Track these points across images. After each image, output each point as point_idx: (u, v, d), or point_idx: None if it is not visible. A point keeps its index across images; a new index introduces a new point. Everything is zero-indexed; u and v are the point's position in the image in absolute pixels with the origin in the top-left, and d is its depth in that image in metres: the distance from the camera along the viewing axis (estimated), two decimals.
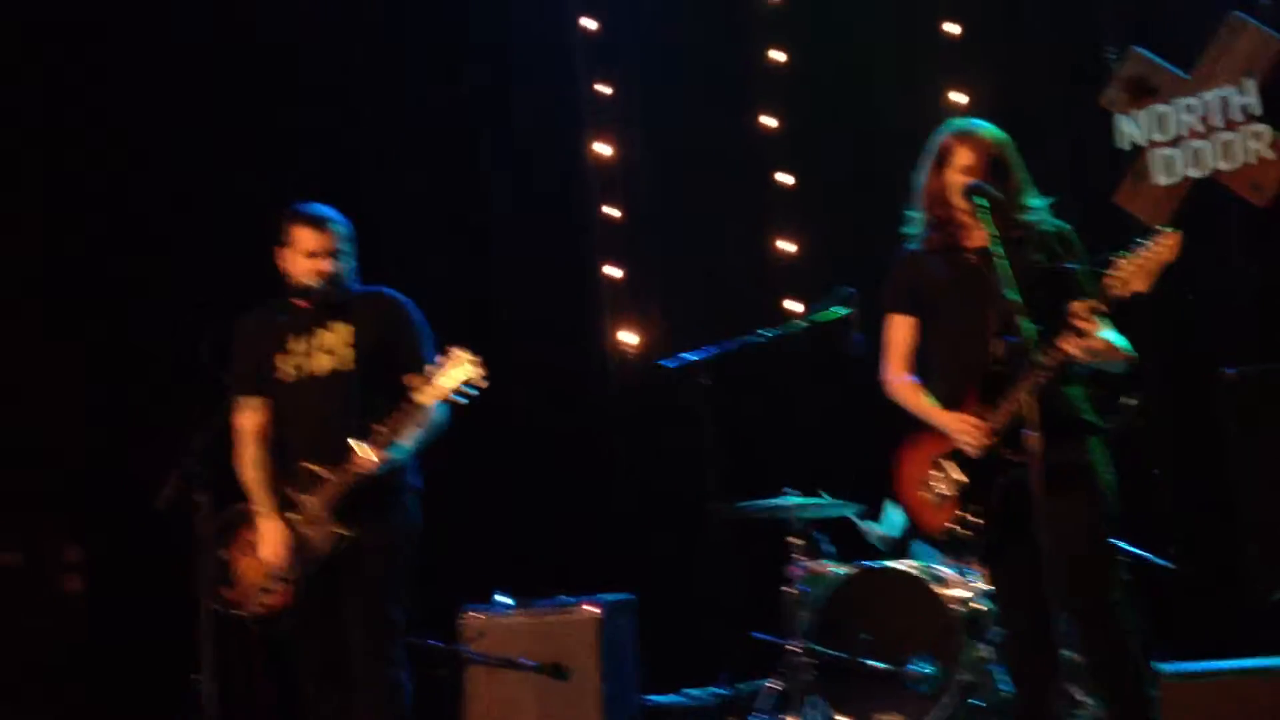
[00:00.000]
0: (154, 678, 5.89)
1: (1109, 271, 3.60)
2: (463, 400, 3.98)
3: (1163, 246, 3.56)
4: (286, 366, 4.25)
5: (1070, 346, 3.60)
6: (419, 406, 3.96)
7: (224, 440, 4.33)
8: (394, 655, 4.12)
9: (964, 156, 3.87)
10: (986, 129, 3.94)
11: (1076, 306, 3.62)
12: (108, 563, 6.22)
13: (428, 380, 3.92)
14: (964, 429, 3.78)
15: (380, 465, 3.98)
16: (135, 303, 6.50)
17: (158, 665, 5.83)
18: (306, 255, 4.25)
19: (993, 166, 3.85)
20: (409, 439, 4.09)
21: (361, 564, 4.10)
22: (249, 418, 4.30)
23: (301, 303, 4.26)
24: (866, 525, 5.53)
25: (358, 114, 7.01)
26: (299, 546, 4.08)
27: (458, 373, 3.90)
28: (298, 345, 4.24)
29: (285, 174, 6.35)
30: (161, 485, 4.15)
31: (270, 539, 4.11)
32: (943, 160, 3.93)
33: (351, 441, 3.98)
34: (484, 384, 3.91)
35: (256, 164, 6.54)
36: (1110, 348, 3.71)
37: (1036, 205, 3.91)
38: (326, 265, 4.23)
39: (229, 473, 4.32)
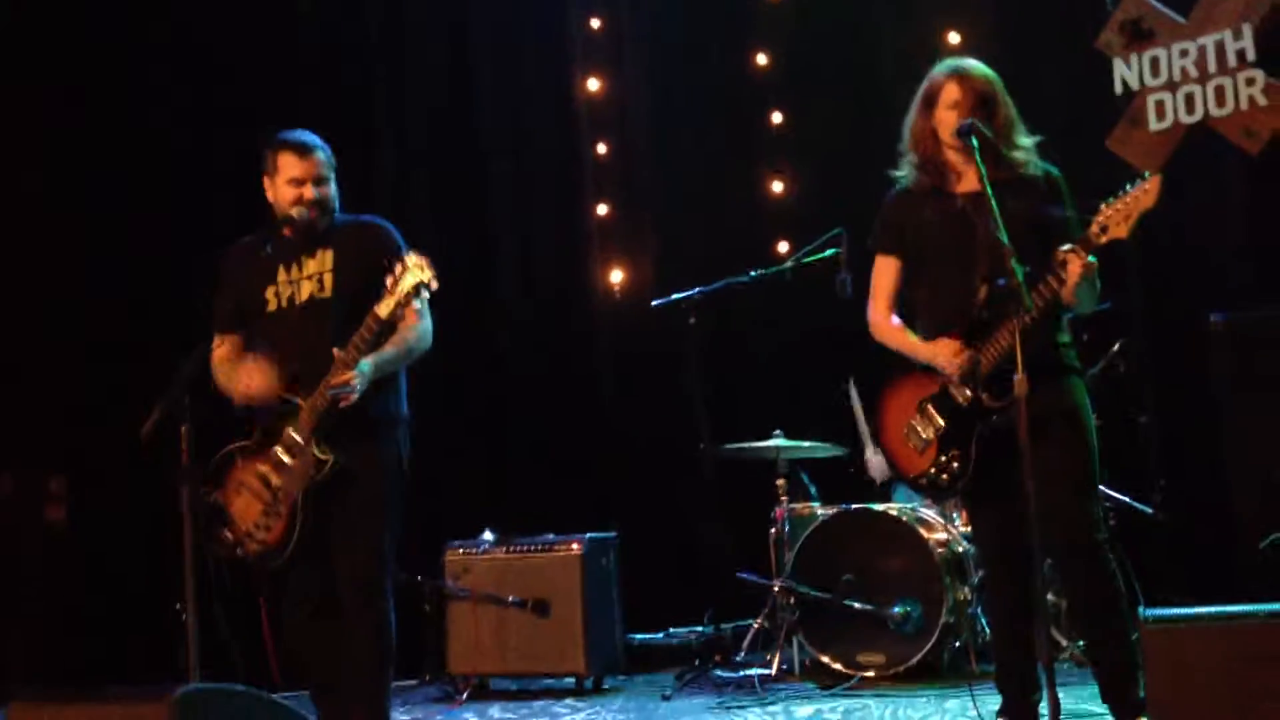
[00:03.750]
0: (138, 607, 5.91)
1: (1091, 217, 3.58)
2: (417, 304, 3.98)
3: (1143, 192, 3.55)
4: (274, 297, 4.23)
5: (1063, 272, 3.59)
6: (379, 319, 3.95)
7: (207, 375, 4.30)
8: (382, 586, 4.12)
9: (951, 92, 3.86)
10: (975, 67, 3.92)
11: (1061, 252, 3.62)
12: (91, 493, 6.22)
13: (389, 291, 3.93)
14: (943, 353, 3.79)
15: (354, 383, 3.96)
16: (125, 237, 6.44)
17: (142, 596, 5.86)
18: (290, 182, 4.22)
19: (981, 103, 3.82)
20: (381, 356, 4.07)
21: (350, 491, 4.09)
22: (223, 350, 4.29)
23: (287, 231, 4.22)
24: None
25: (351, 49, 6.93)
26: (286, 477, 4.07)
27: (410, 278, 3.91)
28: (287, 275, 4.23)
29: (279, 111, 6.27)
30: (146, 416, 4.12)
31: (256, 378, 4.10)
32: (932, 100, 3.92)
33: (335, 351, 3.98)
34: (435, 285, 3.91)
35: (246, 103, 6.45)
36: (1093, 267, 3.68)
37: (1025, 144, 3.88)
38: (310, 192, 4.20)
39: (214, 409, 4.30)
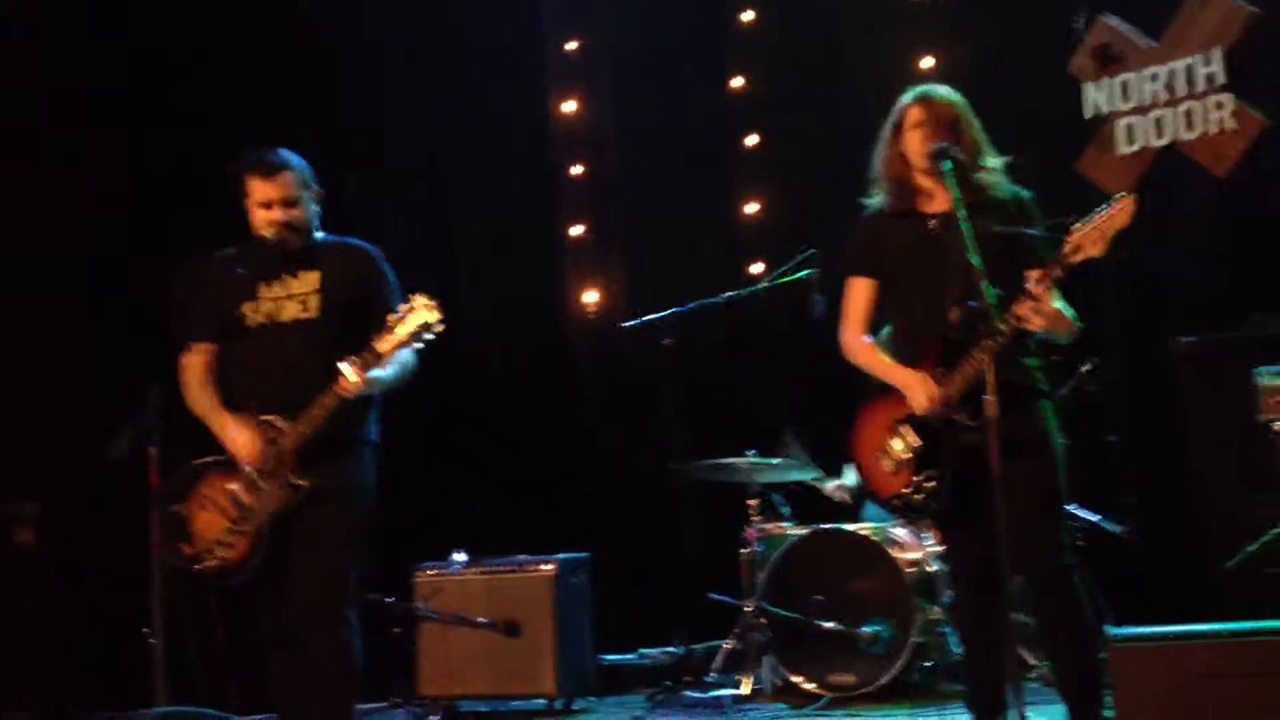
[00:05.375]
0: (105, 631, 5.86)
1: (1064, 237, 3.61)
2: (420, 346, 3.95)
3: (1117, 211, 3.58)
4: (253, 313, 4.19)
5: (1024, 311, 3.62)
6: (379, 354, 3.92)
7: (179, 394, 4.28)
8: (345, 613, 4.06)
9: (914, 115, 3.91)
10: (939, 91, 3.97)
11: (1032, 274, 3.64)
12: (62, 517, 6.17)
13: (389, 329, 3.89)
14: (915, 384, 3.80)
15: (366, 386, 3.94)
16: (92, 257, 6.42)
17: (110, 619, 5.81)
18: (260, 205, 4.18)
19: (944, 126, 3.85)
20: (387, 371, 4.05)
21: (316, 516, 4.04)
22: (197, 360, 4.23)
23: (269, 250, 4.19)
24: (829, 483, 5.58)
25: (325, 70, 6.93)
26: (258, 497, 4.04)
27: (415, 319, 3.87)
28: (268, 292, 4.18)
29: (250, 132, 6.26)
30: (115, 439, 4.10)
31: (243, 439, 4.05)
32: (900, 125, 3.95)
33: (340, 365, 3.93)
34: (441, 328, 3.88)
35: (218, 120, 6.45)
36: (1059, 315, 3.73)
37: (994, 166, 3.91)
38: (279, 214, 4.15)
39: (183, 428, 4.27)
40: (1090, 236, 3.58)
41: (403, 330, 3.87)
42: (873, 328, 4.05)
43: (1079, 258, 3.60)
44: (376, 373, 3.97)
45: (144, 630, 4.61)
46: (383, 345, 3.89)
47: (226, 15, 6.62)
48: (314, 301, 4.14)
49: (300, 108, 6.67)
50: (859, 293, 4.06)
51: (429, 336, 3.90)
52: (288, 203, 4.16)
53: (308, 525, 4.04)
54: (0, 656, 5.91)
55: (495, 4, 7.12)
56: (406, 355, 4.12)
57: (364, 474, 4.18)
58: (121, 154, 6.51)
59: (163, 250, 6.11)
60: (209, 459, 4.17)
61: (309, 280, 4.17)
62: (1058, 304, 3.73)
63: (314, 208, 4.26)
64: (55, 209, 6.46)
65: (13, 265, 6.34)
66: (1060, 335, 3.81)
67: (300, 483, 4.00)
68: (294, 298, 4.16)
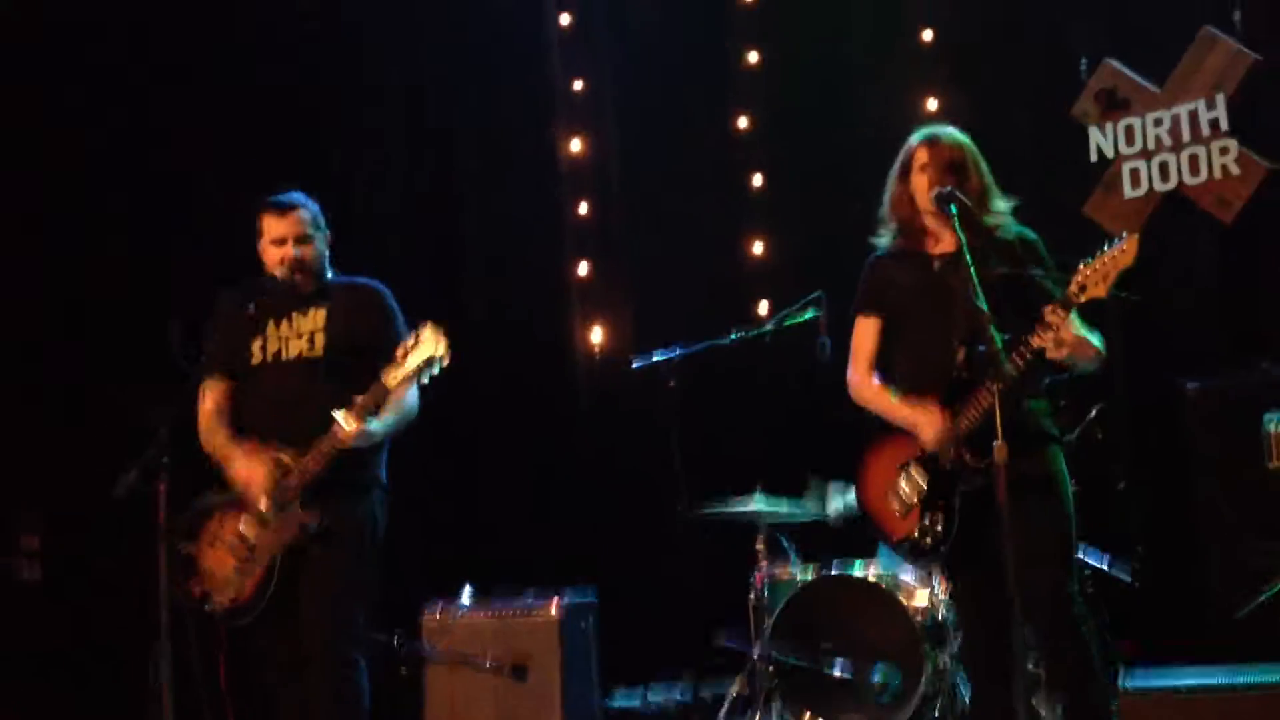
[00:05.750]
0: (110, 667, 5.84)
1: (1069, 277, 3.61)
2: (426, 381, 3.95)
3: (1121, 252, 3.58)
4: (261, 351, 4.22)
5: (1044, 342, 3.60)
6: (386, 388, 3.93)
7: (186, 430, 4.28)
8: (350, 655, 4.06)
9: (920, 157, 3.94)
10: (947, 133, 4.00)
11: (1046, 308, 3.64)
12: (66, 552, 6.16)
13: (397, 362, 3.90)
14: (923, 420, 3.80)
15: (357, 438, 3.93)
16: (96, 292, 6.43)
17: (114, 655, 5.79)
18: (273, 243, 4.23)
19: (951, 168, 3.87)
20: (383, 417, 4.05)
21: (325, 557, 4.06)
22: (210, 396, 4.26)
23: (280, 288, 4.22)
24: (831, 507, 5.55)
25: (329, 104, 6.96)
26: (266, 535, 4.04)
27: (423, 350, 3.88)
28: (276, 330, 4.22)
29: (256, 163, 6.29)
30: (122, 474, 4.10)
31: (250, 473, 4.04)
32: (908, 166, 3.97)
33: (334, 413, 3.93)
34: (447, 361, 3.89)
35: (223, 158, 6.48)
36: (1082, 340, 3.70)
37: (1001, 208, 3.93)
38: (291, 251, 4.20)
39: (191, 464, 4.27)
40: (1095, 277, 3.58)
41: (411, 362, 3.88)
42: (879, 366, 4.06)
43: (1084, 298, 3.61)
44: (375, 425, 3.98)
45: (149, 666, 4.59)
46: (390, 379, 3.90)
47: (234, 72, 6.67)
48: (320, 339, 4.18)
49: (303, 147, 6.70)
50: (867, 332, 4.08)
51: (435, 371, 3.90)
52: (299, 240, 4.22)
53: (316, 566, 4.05)
54: (3, 690, 5.89)
55: (502, 42, 7.16)
56: (409, 400, 4.14)
57: (373, 516, 4.19)
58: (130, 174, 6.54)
59: (166, 283, 6.20)
60: (218, 498, 4.17)
61: (316, 318, 4.20)
62: (1081, 331, 3.71)
63: (325, 249, 4.30)
64: (53, 238, 6.48)
65: (17, 296, 6.35)
66: (1088, 363, 3.77)
67: (307, 520, 4.00)
68: (301, 336, 4.19)
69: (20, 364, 6.30)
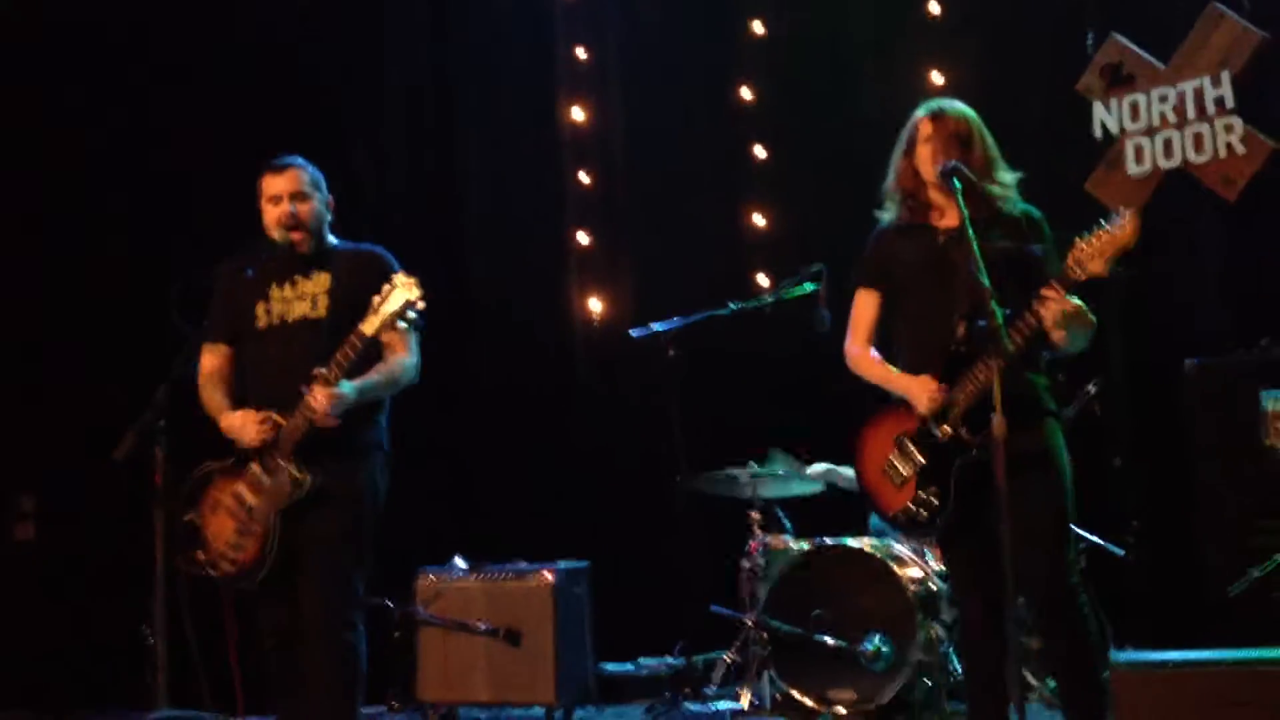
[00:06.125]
0: (106, 630, 5.85)
1: (1069, 253, 3.61)
2: (404, 324, 3.96)
3: (1120, 229, 3.56)
4: (265, 314, 4.22)
5: (1042, 309, 3.60)
6: (363, 336, 3.93)
7: (185, 393, 4.28)
8: (349, 617, 4.08)
9: (925, 129, 3.93)
10: (952, 106, 3.98)
11: (1042, 289, 3.63)
12: (63, 514, 6.17)
13: (373, 309, 3.91)
14: (916, 387, 3.80)
15: (331, 405, 3.93)
16: (95, 255, 6.42)
17: (111, 618, 5.80)
18: (270, 200, 4.23)
19: (955, 141, 3.86)
20: (365, 381, 4.05)
21: (323, 518, 4.06)
22: (209, 360, 4.28)
23: (281, 252, 4.22)
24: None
25: (334, 71, 6.93)
26: (262, 496, 4.05)
27: (397, 297, 3.89)
28: (280, 293, 4.23)
29: (252, 141, 6.27)
30: (120, 438, 4.11)
31: (240, 422, 4.07)
32: (913, 139, 3.96)
33: (304, 390, 3.95)
34: (422, 305, 3.90)
35: (223, 158, 6.45)
36: (1080, 310, 3.70)
37: (1006, 181, 3.91)
38: (287, 207, 4.20)
39: (190, 428, 4.28)
40: (1091, 254, 3.57)
41: (386, 310, 3.89)
42: (880, 340, 4.06)
43: (1083, 275, 3.59)
44: (346, 387, 3.97)
45: (143, 629, 4.60)
46: (368, 326, 3.91)
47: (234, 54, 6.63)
48: (323, 301, 4.19)
49: (306, 117, 6.67)
50: (867, 304, 4.08)
51: (412, 315, 3.91)
52: (296, 197, 4.22)
53: (314, 528, 4.06)
54: None
55: (506, 10, 7.12)
56: (400, 364, 4.15)
57: (373, 478, 4.20)
58: (130, 154, 6.51)
59: (167, 250, 6.19)
60: (216, 465, 4.18)
61: (320, 281, 4.22)
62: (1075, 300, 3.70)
63: (325, 211, 4.30)
64: (52, 201, 6.47)
65: (16, 261, 6.34)
66: (1084, 333, 3.77)
67: (301, 477, 4.01)
68: (304, 298, 4.20)
69: (20, 364, 6.30)
